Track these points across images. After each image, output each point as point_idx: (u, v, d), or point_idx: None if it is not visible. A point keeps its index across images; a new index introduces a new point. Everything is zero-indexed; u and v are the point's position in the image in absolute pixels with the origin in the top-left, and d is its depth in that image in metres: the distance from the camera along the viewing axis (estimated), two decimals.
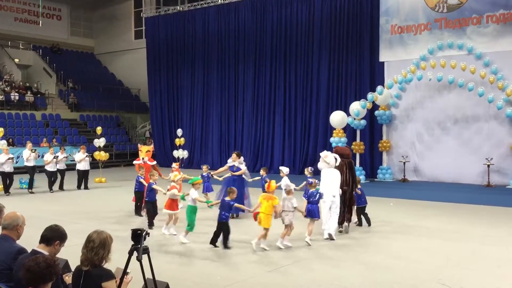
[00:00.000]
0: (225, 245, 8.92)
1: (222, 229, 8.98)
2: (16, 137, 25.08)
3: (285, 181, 11.35)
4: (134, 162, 13.42)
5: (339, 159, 10.35)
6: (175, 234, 9.85)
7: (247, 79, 24.86)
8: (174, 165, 13.61)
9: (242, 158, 12.58)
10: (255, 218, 9.00)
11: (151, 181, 10.96)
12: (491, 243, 9.37)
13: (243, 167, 12.32)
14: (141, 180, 11.83)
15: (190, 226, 9.30)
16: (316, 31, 22.46)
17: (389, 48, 20.06)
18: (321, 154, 10.43)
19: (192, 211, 9.37)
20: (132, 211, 12.28)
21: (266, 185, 9.65)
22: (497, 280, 6.99)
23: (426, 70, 18.29)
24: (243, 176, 12.33)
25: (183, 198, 10.23)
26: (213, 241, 9.04)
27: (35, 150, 17.80)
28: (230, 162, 12.45)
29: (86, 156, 17.78)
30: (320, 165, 10.31)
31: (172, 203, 10.04)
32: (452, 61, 17.65)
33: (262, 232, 8.86)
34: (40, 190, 17.24)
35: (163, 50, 28.36)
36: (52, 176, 17.06)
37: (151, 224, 10.66)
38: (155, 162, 14.60)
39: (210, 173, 13.47)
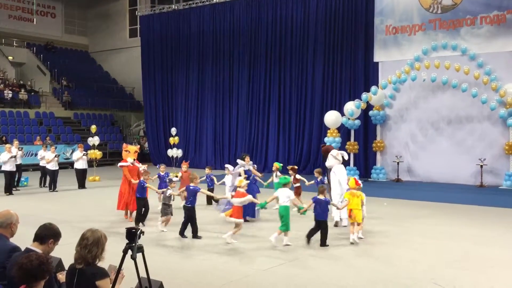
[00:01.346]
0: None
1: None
2: (9, 135, 24.95)
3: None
4: (120, 164, 11.50)
5: (346, 156, 11.57)
6: (233, 242, 9.24)
7: (242, 79, 24.86)
8: (184, 166, 13.80)
9: (251, 162, 12.78)
10: (350, 215, 9.37)
11: (143, 178, 10.96)
12: (483, 243, 9.43)
13: (252, 169, 12.46)
14: (147, 185, 10.93)
15: (286, 226, 9.05)
16: (311, 31, 22.49)
17: (384, 49, 20.12)
18: (332, 152, 11.38)
19: (287, 210, 9.13)
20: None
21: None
22: (490, 280, 7.03)
23: (420, 70, 18.36)
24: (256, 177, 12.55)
25: (263, 206, 9.83)
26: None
27: (22, 148, 17.58)
28: (244, 164, 12.30)
29: (83, 155, 17.65)
30: (331, 162, 11.23)
31: (240, 211, 9.30)
32: (446, 62, 17.73)
33: (357, 227, 9.32)
34: (32, 189, 17.17)
35: (158, 48, 28.30)
36: (54, 175, 16.86)
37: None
38: (143, 167, 12.08)
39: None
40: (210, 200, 13.36)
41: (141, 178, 11.02)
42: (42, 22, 34.70)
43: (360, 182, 10.01)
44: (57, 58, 34.04)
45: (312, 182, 12.73)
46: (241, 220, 9.30)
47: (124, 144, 12.79)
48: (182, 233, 9.64)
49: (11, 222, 4.95)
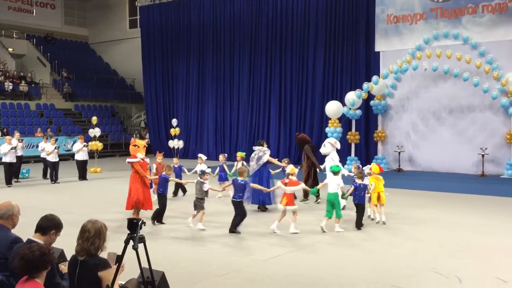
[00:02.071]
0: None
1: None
2: (10, 127, 24.94)
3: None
4: (130, 160, 10.67)
5: (339, 145, 12.46)
6: (297, 233, 9.19)
7: (243, 69, 24.80)
8: (159, 158, 13.58)
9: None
10: (379, 198, 10.03)
11: (164, 173, 10.28)
12: (485, 232, 9.42)
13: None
14: (171, 179, 10.56)
15: (339, 213, 9.46)
16: (311, 21, 22.39)
17: (385, 38, 20.02)
18: (330, 140, 12.40)
19: (337, 197, 9.55)
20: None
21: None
22: (491, 269, 7.04)
23: (421, 60, 18.28)
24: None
25: (314, 192, 10.56)
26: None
27: (22, 140, 17.58)
28: (262, 150, 12.03)
29: (84, 146, 17.65)
30: (328, 149, 12.16)
31: (293, 198, 9.46)
32: (448, 51, 17.65)
33: (382, 209, 10.04)
34: (34, 180, 17.20)
35: (158, 39, 28.21)
36: (54, 167, 16.85)
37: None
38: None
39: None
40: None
41: (163, 173, 10.34)
42: (41, 13, 34.55)
43: (382, 168, 10.90)
44: (57, 50, 33.95)
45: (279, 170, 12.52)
46: (297, 207, 9.50)
47: (132, 138, 11.79)
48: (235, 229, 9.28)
49: (12, 213, 4.96)
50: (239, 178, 9.48)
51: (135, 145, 10.87)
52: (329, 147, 12.18)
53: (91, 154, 20.50)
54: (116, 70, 35.43)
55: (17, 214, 5.02)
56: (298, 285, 6.43)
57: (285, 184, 9.40)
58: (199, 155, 13.65)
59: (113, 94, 32.46)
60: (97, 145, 20.51)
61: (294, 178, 9.52)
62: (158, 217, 10.04)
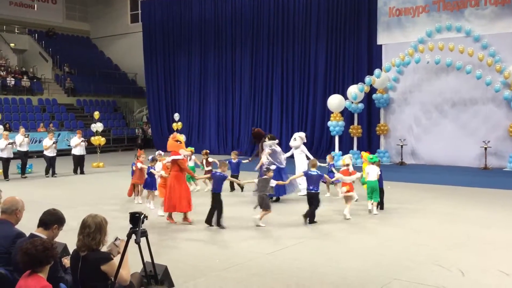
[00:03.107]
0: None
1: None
2: (13, 122, 24.99)
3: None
4: (174, 158, 9.56)
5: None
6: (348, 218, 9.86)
7: (244, 63, 24.75)
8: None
9: (276, 141, 12.46)
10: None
11: (221, 170, 9.59)
12: (488, 225, 9.42)
13: (266, 149, 12.11)
14: (230, 178, 10.42)
15: (377, 198, 10.45)
16: (313, 15, 22.31)
17: (387, 31, 19.95)
18: (300, 134, 13.21)
19: (377, 185, 10.47)
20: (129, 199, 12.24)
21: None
22: (493, 262, 7.03)
23: (424, 52, 18.22)
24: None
25: (364, 182, 10.83)
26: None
27: (28, 135, 17.67)
28: (271, 144, 12.04)
29: (82, 141, 17.69)
30: (298, 142, 12.91)
31: (352, 186, 10.50)
32: (450, 44, 17.57)
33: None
34: (37, 176, 17.24)
35: (160, 34, 28.16)
36: (50, 161, 17.00)
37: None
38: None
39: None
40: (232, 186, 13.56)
41: (218, 171, 9.62)
42: (43, 8, 34.52)
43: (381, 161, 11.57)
44: (59, 45, 33.93)
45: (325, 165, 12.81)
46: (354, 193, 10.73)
47: (173, 134, 10.51)
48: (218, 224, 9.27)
49: (16, 208, 4.98)
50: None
51: (177, 140, 9.83)
52: (299, 140, 12.95)
53: (94, 149, 20.55)
54: (118, 65, 35.41)
55: (21, 209, 5.04)
56: (299, 278, 6.44)
57: (344, 174, 10.47)
58: (159, 152, 12.88)
59: (115, 89, 32.47)
60: (100, 140, 20.53)
61: (351, 168, 10.81)
62: (211, 218, 9.27)
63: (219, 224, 9.21)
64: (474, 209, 10.97)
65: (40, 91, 29.19)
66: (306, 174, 9.85)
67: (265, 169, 9.82)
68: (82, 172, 17.73)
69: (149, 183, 11.23)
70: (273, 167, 10.62)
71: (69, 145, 18.76)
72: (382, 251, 7.68)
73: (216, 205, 9.27)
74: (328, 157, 13.26)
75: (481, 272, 6.63)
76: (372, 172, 10.51)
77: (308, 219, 9.41)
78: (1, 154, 16.22)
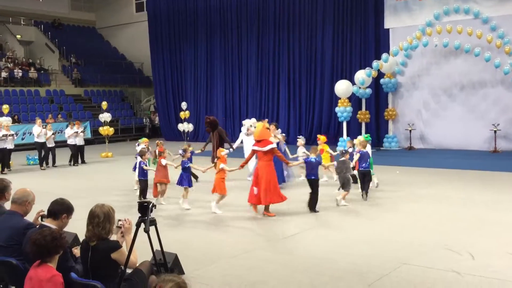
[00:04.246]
0: None
1: None
2: (21, 113, 25.11)
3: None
4: (271, 147, 9.13)
5: None
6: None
7: (251, 50, 24.64)
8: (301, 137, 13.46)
9: (279, 130, 12.54)
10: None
11: (314, 156, 9.66)
12: (497, 208, 9.37)
13: (278, 137, 12.13)
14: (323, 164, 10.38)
15: None
16: None
17: (394, 15, 19.75)
18: (253, 122, 12.91)
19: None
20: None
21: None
22: (504, 245, 7.00)
23: (432, 36, 18.01)
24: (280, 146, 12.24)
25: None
26: None
27: (45, 125, 17.45)
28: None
29: (80, 131, 17.60)
30: (251, 130, 12.46)
31: None
32: (458, 26, 17.36)
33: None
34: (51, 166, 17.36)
35: (165, 22, 28.07)
36: (78, 150, 17.44)
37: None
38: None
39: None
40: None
41: (312, 156, 9.60)
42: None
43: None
44: (65, 35, 33.94)
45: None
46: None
47: (261, 121, 9.98)
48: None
49: (26, 200, 5.00)
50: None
51: (268, 128, 9.50)
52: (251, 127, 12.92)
53: (102, 139, 20.62)
54: (124, 55, 35.40)
55: (31, 201, 5.06)
56: (309, 265, 6.45)
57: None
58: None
59: (122, 78, 32.49)
60: (108, 130, 20.59)
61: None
62: (312, 205, 9.38)
63: (314, 209, 9.31)
64: (484, 193, 10.91)
65: (48, 82, 29.27)
66: (306, 160, 9.73)
67: (344, 151, 10.33)
68: (83, 162, 17.80)
69: (184, 180, 9.94)
70: (350, 149, 11.21)
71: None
72: (391, 236, 7.67)
73: (315, 191, 9.38)
74: (348, 143, 12.70)
75: (491, 255, 6.61)
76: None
77: (312, 207, 9.36)
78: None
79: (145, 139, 12.58)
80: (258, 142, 9.19)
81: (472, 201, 10.05)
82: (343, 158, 10.02)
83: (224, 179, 9.49)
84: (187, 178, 9.88)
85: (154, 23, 28.63)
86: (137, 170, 10.76)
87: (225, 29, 25.57)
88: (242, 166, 9.52)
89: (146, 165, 10.56)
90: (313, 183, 9.43)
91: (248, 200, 9.33)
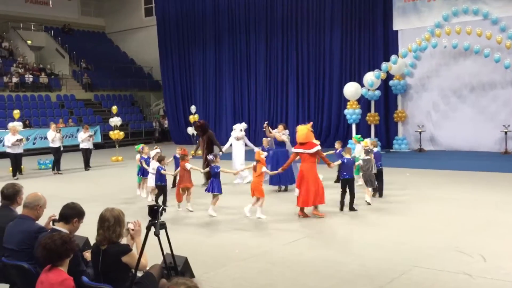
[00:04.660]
0: None
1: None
2: (32, 118, 25.33)
3: None
4: (317, 149, 9.28)
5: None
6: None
7: (259, 53, 24.69)
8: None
9: (287, 131, 12.52)
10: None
11: (349, 156, 9.83)
12: (508, 210, 9.29)
13: (284, 137, 12.10)
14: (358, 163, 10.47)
15: None
16: (328, 1, 22.10)
17: (403, 16, 19.71)
18: (243, 126, 13.59)
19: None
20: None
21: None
22: None
23: (441, 37, 17.95)
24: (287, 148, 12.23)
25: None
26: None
27: (60, 130, 17.42)
28: (276, 131, 12.29)
29: (89, 136, 17.51)
30: (243, 134, 13.39)
31: None
32: (468, 27, 17.29)
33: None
34: (64, 171, 17.46)
35: (174, 26, 28.20)
36: (86, 154, 17.39)
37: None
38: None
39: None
40: None
41: (347, 156, 9.73)
42: (58, 5, 34.78)
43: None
44: (75, 41, 34.19)
45: (332, 152, 12.48)
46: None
47: (304, 125, 9.78)
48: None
49: (38, 204, 5.04)
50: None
51: (311, 130, 9.59)
52: (242, 133, 13.47)
53: (112, 143, 20.71)
54: (134, 59, 35.60)
55: (42, 206, 5.10)
56: (318, 268, 6.45)
57: None
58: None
59: (132, 83, 32.67)
60: (119, 135, 20.70)
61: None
62: (350, 203, 9.62)
63: (352, 207, 9.55)
64: (494, 194, 10.83)
65: (58, 87, 29.50)
66: (342, 160, 9.84)
67: (370, 150, 10.32)
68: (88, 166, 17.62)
69: (216, 186, 9.52)
70: (375, 149, 11.01)
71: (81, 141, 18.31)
72: (401, 238, 7.64)
73: (352, 189, 9.59)
74: (336, 144, 12.71)
75: (503, 257, 6.57)
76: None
77: (351, 206, 9.59)
78: (9, 150, 15.76)
79: (143, 145, 12.42)
80: (302, 144, 9.30)
81: (483, 203, 9.98)
82: (367, 157, 10.21)
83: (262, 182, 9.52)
84: (217, 184, 9.51)
85: (163, 27, 28.79)
86: (150, 175, 10.73)
87: (234, 32, 25.64)
88: (283, 169, 10.04)
89: (164, 170, 10.34)
90: (350, 182, 9.65)
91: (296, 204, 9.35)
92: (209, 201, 9.68)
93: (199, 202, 10.41)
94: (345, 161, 9.77)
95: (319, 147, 9.37)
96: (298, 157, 9.56)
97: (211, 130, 13.75)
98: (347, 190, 9.60)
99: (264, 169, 9.42)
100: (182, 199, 10.19)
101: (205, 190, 9.88)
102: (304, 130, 9.40)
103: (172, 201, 10.46)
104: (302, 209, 9.24)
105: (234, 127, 13.90)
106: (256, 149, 12.05)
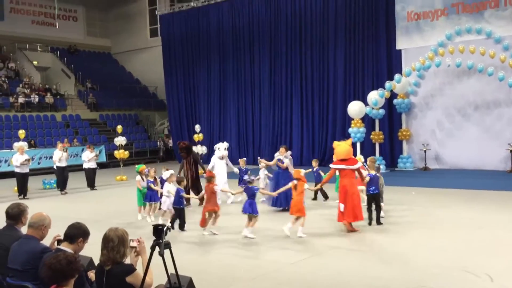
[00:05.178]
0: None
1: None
2: (37, 138, 25.44)
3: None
4: (358, 166, 9.64)
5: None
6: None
7: (263, 72, 24.83)
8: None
9: (289, 152, 12.54)
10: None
11: (374, 173, 10.09)
12: None
13: (286, 161, 12.08)
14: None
15: None
16: (331, 20, 22.29)
17: (406, 35, 19.83)
18: (226, 145, 13.50)
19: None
20: None
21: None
22: None
23: (444, 56, 18.04)
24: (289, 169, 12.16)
25: None
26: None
27: (66, 149, 17.39)
28: (277, 155, 12.33)
29: (95, 156, 17.53)
30: (226, 153, 13.37)
31: None
32: (471, 46, 17.37)
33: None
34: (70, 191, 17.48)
35: (179, 47, 28.46)
36: (89, 174, 17.32)
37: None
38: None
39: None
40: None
41: (373, 173, 9.99)
42: (64, 26, 35.17)
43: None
44: (81, 61, 34.51)
45: (309, 170, 12.35)
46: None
47: (342, 141, 10.08)
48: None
49: (43, 224, 5.03)
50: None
51: (350, 145, 9.90)
52: (225, 152, 13.38)
53: (117, 162, 20.74)
54: (139, 79, 35.85)
55: (47, 226, 5.09)
56: (325, 286, 6.38)
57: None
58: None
59: (137, 102, 32.85)
60: (124, 154, 20.74)
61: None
62: (377, 218, 9.99)
63: (379, 221, 9.87)
64: (500, 213, 10.76)
65: (64, 107, 29.68)
66: (370, 176, 9.96)
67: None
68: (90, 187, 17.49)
69: (253, 207, 9.25)
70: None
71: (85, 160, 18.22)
72: (408, 258, 7.57)
73: (378, 204, 9.92)
74: (313, 162, 13.63)
75: (510, 277, 6.49)
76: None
77: (378, 220, 9.85)
78: (17, 170, 15.65)
79: (144, 166, 12.07)
80: (343, 160, 9.55)
81: (489, 222, 9.90)
82: (378, 174, 10.28)
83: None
84: (254, 205, 9.23)
85: (168, 47, 29.05)
86: (164, 198, 10.38)
87: (238, 51, 25.83)
88: (322, 184, 10.92)
89: (184, 192, 10.05)
90: (376, 197, 9.88)
91: (338, 219, 9.51)
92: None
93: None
94: (372, 176, 9.94)
95: (360, 163, 9.77)
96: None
97: (194, 151, 13.83)
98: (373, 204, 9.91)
99: (306, 186, 9.46)
100: (207, 223, 9.65)
101: (243, 212, 9.37)
102: (346, 147, 9.72)
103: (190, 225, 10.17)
104: (351, 224, 9.39)
105: (217, 146, 13.61)
106: (236, 170, 12.27)
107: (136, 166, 11.99)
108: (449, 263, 7.19)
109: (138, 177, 11.56)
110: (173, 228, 9.62)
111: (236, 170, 13.72)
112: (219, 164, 13.34)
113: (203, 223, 9.63)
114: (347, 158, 9.53)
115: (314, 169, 13.08)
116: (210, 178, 9.93)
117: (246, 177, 9.95)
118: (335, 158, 9.86)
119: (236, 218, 10.49)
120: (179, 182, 10.16)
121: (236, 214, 10.81)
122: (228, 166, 13.81)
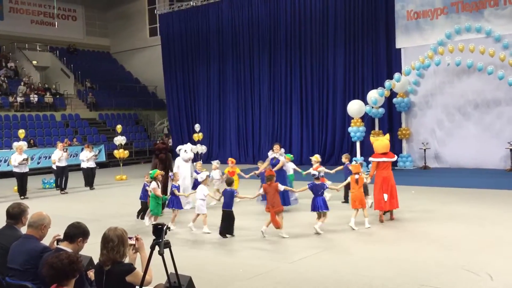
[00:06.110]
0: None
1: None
2: (37, 138, 25.43)
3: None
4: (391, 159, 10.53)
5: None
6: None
7: (263, 71, 24.82)
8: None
9: (282, 150, 12.48)
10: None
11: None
12: None
13: (282, 158, 12.00)
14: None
15: None
16: (330, 20, 22.26)
17: (406, 34, 19.81)
18: (382, 137, 11.91)
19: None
20: None
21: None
22: None
23: (444, 55, 18.02)
24: (284, 168, 12.15)
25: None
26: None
27: (67, 149, 17.31)
28: (271, 154, 12.26)
29: (94, 155, 17.48)
30: (192, 155, 13.50)
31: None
32: (470, 45, 17.36)
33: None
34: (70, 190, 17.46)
35: (178, 46, 28.44)
36: (87, 173, 17.25)
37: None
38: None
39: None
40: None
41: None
42: (63, 26, 35.14)
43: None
44: (80, 60, 34.49)
45: (341, 167, 12.70)
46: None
47: (379, 137, 10.93)
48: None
49: (42, 223, 5.03)
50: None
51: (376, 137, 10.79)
52: (191, 154, 13.47)
53: (117, 162, 20.73)
54: (138, 78, 35.83)
55: (47, 225, 5.09)
56: (323, 286, 6.38)
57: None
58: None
59: (136, 102, 32.83)
60: (123, 153, 20.73)
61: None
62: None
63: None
64: (500, 212, 10.76)
65: (63, 107, 29.66)
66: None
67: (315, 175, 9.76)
68: (91, 186, 17.44)
69: (323, 203, 9.22)
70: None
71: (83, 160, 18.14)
72: (408, 257, 7.57)
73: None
74: (343, 157, 12.96)
75: (510, 275, 6.49)
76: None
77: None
78: (16, 170, 15.49)
79: (158, 171, 10.90)
80: (384, 154, 10.36)
81: (489, 221, 9.90)
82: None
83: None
84: (324, 201, 9.30)
85: (167, 47, 29.03)
86: (199, 201, 9.70)
87: (237, 51, 25.81)
88: (371, 176, 10.84)
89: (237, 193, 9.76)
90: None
91: (376, 207, 10.25)
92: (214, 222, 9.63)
93: (209, 222, 10.34)
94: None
95: (395, 158, 10.67)
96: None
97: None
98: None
99: (368, 180, 10.36)
100: (281, 224, 9.07)
101: (312, 209, 9.32)
102: (385, 141, 10.57)
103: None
104: (391, 212, 10.25)
105: (183, 148, 13.36)
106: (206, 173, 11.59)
107: (150, 172, 10.66)
108: (449, 261, 7.19)
109: (154, 184, 10.20)
110: (226, 237, 9.16)
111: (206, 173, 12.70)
112: (184, 166, 13.12)
113: (278, 224, 9.00)
114: (387, 152, 10.35)
115: (344, 165, 12.40)
116: (271, 177, 9.30)
117: (317, 173, 9.71)
118: (375, 152, 10.53)
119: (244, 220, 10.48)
120: (229, 183, 9.53)
121: (244, 216, 10.79)
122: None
